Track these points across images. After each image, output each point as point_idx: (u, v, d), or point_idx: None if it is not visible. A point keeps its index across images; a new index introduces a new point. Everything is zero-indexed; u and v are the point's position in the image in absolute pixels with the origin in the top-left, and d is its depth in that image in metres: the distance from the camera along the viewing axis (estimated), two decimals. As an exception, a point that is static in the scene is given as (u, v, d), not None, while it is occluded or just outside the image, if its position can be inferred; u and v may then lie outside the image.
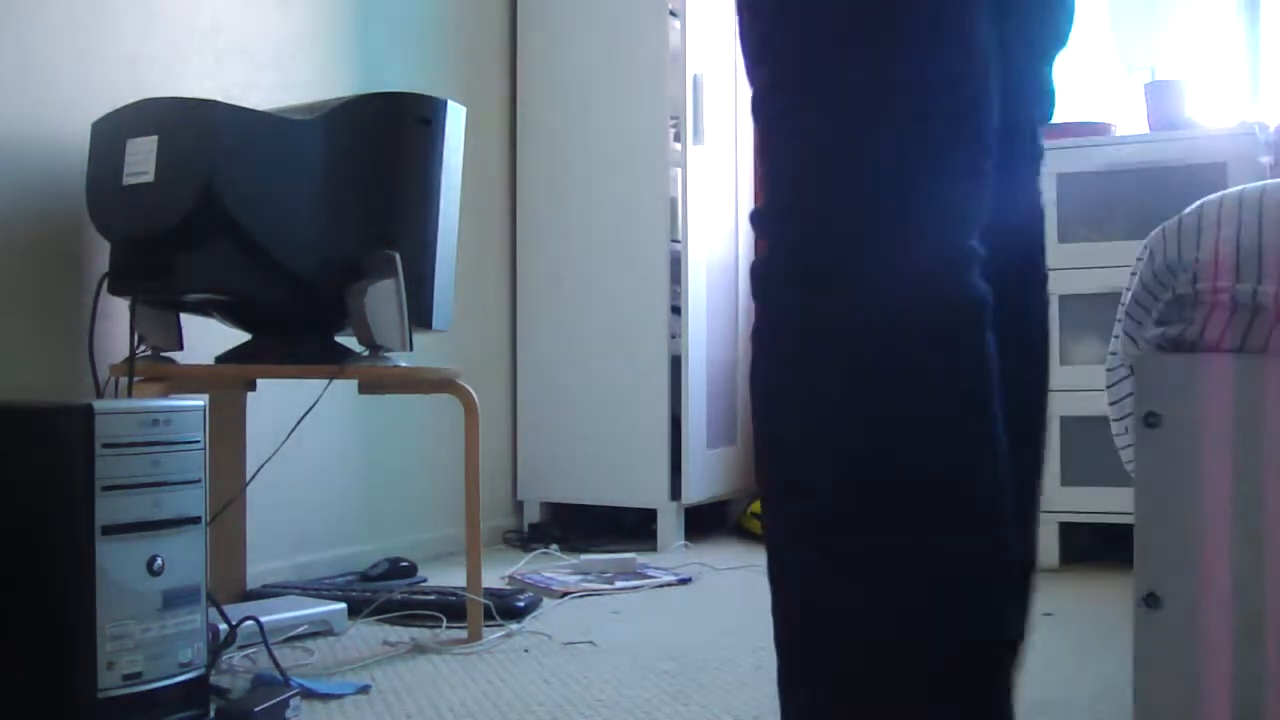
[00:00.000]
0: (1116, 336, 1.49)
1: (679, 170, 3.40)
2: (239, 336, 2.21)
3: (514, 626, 2.26)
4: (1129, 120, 3.27)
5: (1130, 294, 1.44)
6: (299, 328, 2.17)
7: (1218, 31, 3.36)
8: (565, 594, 2.61)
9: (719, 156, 3.57)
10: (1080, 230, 3.07)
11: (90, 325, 2.04)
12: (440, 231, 2.19)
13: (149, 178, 1.96)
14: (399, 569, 2.74)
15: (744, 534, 3.58)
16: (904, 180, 0.89)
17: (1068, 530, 3.03)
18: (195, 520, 1.63)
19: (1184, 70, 3.25)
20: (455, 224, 2.26)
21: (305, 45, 2.82)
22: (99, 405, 1.55)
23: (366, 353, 2.09)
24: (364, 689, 1.84)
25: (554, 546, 3.27)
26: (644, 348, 3.40)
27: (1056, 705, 1.75)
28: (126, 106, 2.09)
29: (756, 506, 3.56)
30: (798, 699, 0.92)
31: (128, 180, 1.98)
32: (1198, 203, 1.39)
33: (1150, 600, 1.30)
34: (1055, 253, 3.06)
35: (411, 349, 2.11)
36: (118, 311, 2.14)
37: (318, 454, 2.80)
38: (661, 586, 2.77)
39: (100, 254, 2.16)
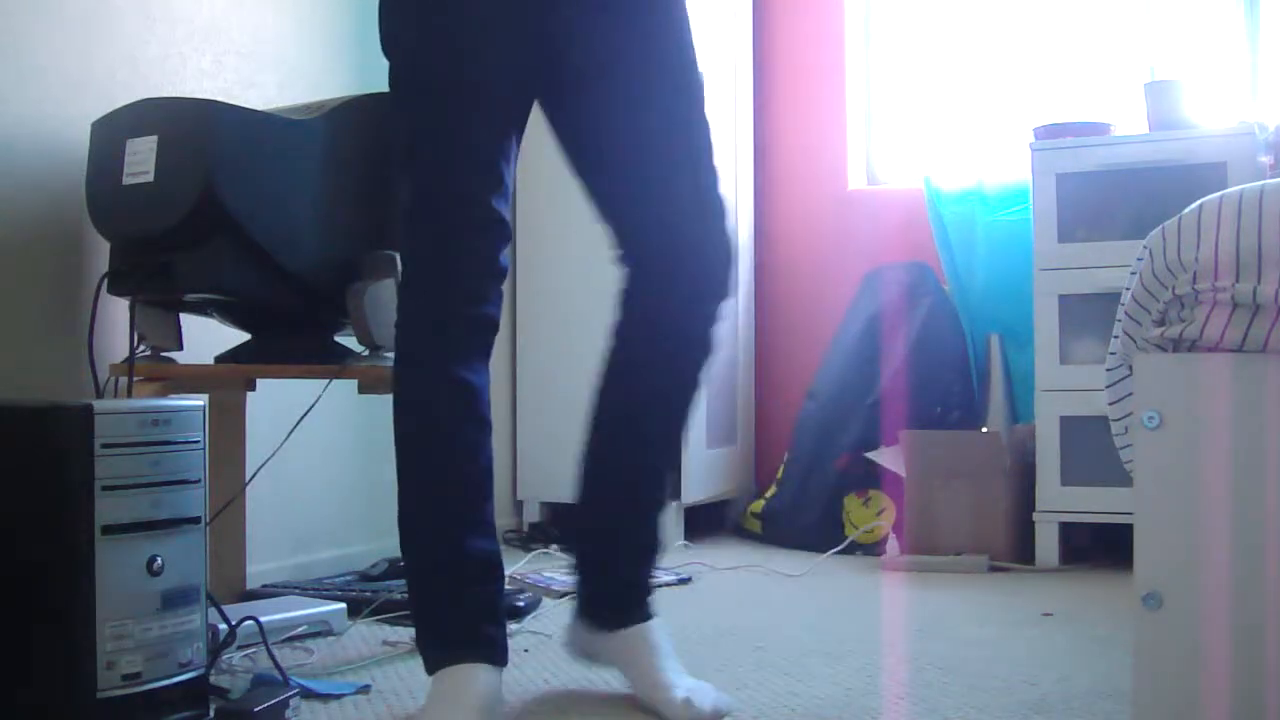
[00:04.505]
0: (1116, 336, 1.48)
1: (679, 170, 3.39)
2: (239, 336, 2.21)
3: (514, 626, 2.26)
4: (1129, 120, 3.27)
5: (1130, 294, 1.44)
6: (299, 328, 2.17)
7: (1218, 31, 3.36)
8: (565, 594, 2.61)
9: (717, 156, 3.56)
10: (1080, 230, 3.06)
11: (90, 325, 2.04)
12: (440, 231, 2.18)
13: (149, 178, 1.96)
14: (399, 569, 2.73)
15: (744, 534, 3.58)
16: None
17: (1068, 530, 3.02)
18: (195, 520, 1.63)
19: (1184, 70, 3.25)
20: (455, 224, 2.25)
21: (305, 45, 2.82)
22: (99, 405, 1.55)
23: (366, 353, 2.09)
24: (364, 689, 1.84)
25: (554, 546, 3.27)
26: (644, 348, 3.39)
27: (1056, 705, 1.75)
28: (126, 106, 2.09)
29: (757, 506, 3.56)
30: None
31: (128, 180, 1.98)
32: (1197, 203, 1.39)
33: (1150, 600, 1.30)
34: (1055, 253, 3.06)
35: (411, 349, 2.11)
36: (118, 311, 2.14)
37: (318, 454, 2.80)
38: (661, 586, 2.76)
39: (100, 254, 2.16)
